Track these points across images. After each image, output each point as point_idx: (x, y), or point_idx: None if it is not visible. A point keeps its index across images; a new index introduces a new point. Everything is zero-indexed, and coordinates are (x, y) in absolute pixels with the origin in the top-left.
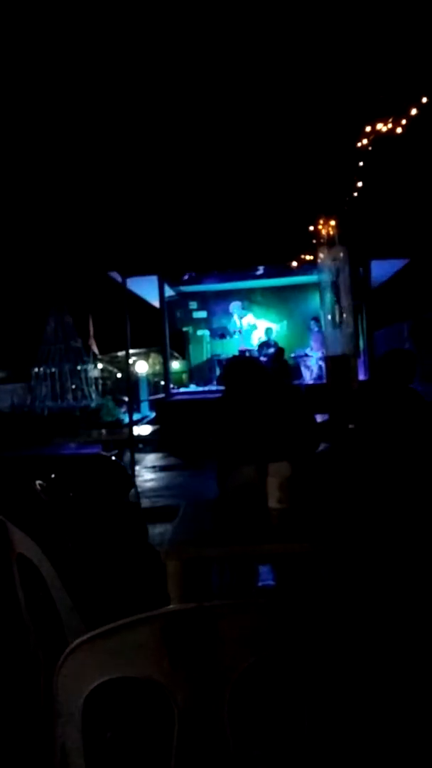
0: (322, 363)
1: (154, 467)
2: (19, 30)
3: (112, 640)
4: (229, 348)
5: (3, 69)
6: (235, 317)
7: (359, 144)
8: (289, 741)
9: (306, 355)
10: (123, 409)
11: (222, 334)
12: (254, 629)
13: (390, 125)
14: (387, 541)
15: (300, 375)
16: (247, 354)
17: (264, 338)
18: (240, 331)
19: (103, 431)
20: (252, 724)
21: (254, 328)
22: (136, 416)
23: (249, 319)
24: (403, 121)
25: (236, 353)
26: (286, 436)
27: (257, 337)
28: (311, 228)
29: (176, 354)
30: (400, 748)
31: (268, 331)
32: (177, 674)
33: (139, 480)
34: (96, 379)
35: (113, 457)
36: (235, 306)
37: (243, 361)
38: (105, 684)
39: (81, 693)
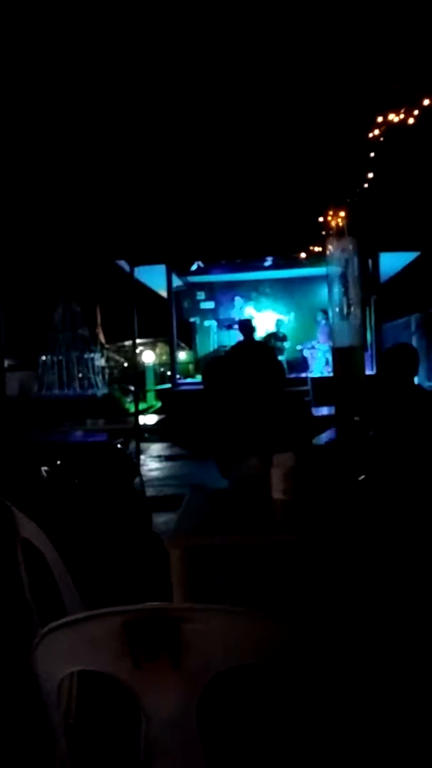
0: (329, 356)
1: (159, 456)
2: (22, 26)
3: (76, 631)
4: (237, 339)
5: (8, 62)
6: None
7: (370, 134)
8: (269, 754)
9: (313, 348)
10: (129, 399)
11: (229, 325)
12: (225, 637)
13: (402, 115)
14: (389, 535)
15: (307, 367)
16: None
17: (273, 330)
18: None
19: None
20: (232, 734)
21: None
22: (141, 405)
23: (249, 310)
24: (416, 112)
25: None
26: (286, 427)
27: (264, 329)
28: (320, 219)
29: (183, 344)
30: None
31: (278, 322)
32: (141, 675)
33: (144, 469)
34: (102, 368)
35: (119, 446)
36: (237, 300)
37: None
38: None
39: (54, 678)
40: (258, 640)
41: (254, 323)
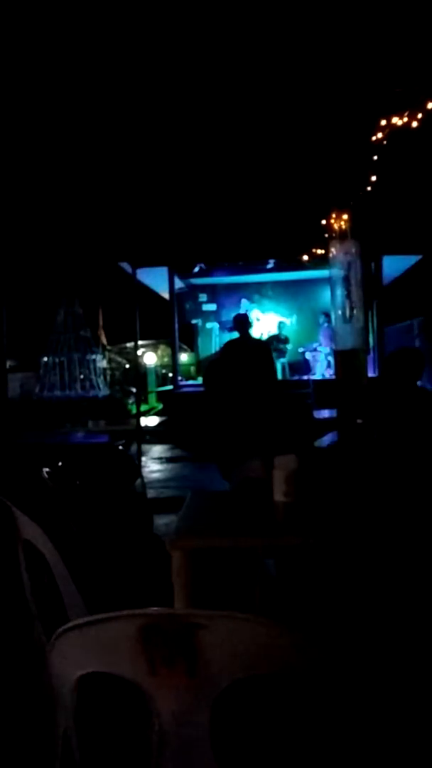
0: (330, 358)
1: (160, 458)
2: (22, 27)
3: (92, 632)
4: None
5: (9, 63)
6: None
7: (374, 138)
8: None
9: (315, 350)
10: (131, 400)
11: (231, 327)
12: (242, 646)
13: (405, 119)
14: (389, 538)
15: (308, 369)
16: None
17: (275, 332)
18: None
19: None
20: (244, 745)
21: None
22: (143, 407)
23: (254, 313)
24: (419, 115)
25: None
26: (288, 429)
27: (266, 332)
28: (323, 222)
29: (185, 346)
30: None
31: (280, 325)
32: (156, 679)
33: (145, 471)
34: (104, 369)
35: (120, 447)
36: (244, 302)
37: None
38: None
39: (69, 680)
40: (275, 650)
41: (251, 317)
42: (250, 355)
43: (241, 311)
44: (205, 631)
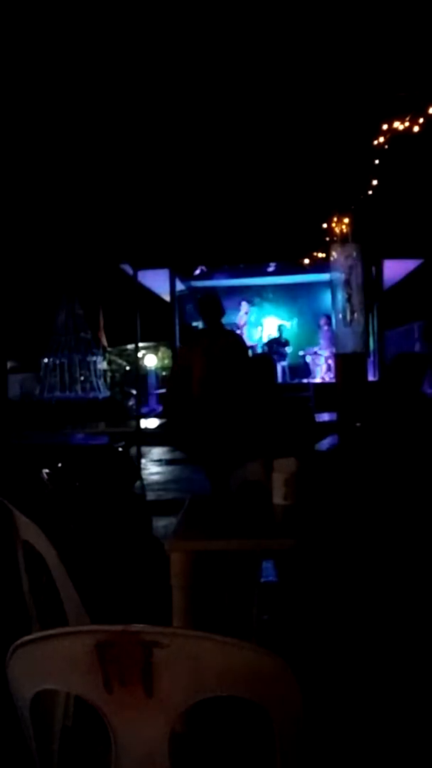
0: (331, 362)
1: (160, 460)
2: (22, 26)
3: (48, 647)
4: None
5: (10, 62)
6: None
7: (375, 142)
8: None
9: (315, 353)
10: (131, 402)
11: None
12: (202, 665)
13: (407, 123)
14: (387, 541)
15: (309, 372)
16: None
17: (275, 335)
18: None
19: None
20: None
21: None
22: (143, 409)
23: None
24: (421, 120)
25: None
26: (288, 432)
27: (267, 335)
28: (324, 225)
29: None
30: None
31: (281, 328)
32: (113, 699)
33: (144, 473)
34: (105, 371)
35: (120, 449)
36: (244, 305)
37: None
38: None
39: (26, 695)
40: (243, 672)
41: (251, 312)
42: (221, 352)
43: (241, 314)
44: (162, 649)
